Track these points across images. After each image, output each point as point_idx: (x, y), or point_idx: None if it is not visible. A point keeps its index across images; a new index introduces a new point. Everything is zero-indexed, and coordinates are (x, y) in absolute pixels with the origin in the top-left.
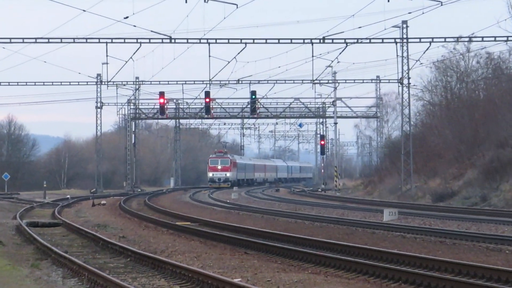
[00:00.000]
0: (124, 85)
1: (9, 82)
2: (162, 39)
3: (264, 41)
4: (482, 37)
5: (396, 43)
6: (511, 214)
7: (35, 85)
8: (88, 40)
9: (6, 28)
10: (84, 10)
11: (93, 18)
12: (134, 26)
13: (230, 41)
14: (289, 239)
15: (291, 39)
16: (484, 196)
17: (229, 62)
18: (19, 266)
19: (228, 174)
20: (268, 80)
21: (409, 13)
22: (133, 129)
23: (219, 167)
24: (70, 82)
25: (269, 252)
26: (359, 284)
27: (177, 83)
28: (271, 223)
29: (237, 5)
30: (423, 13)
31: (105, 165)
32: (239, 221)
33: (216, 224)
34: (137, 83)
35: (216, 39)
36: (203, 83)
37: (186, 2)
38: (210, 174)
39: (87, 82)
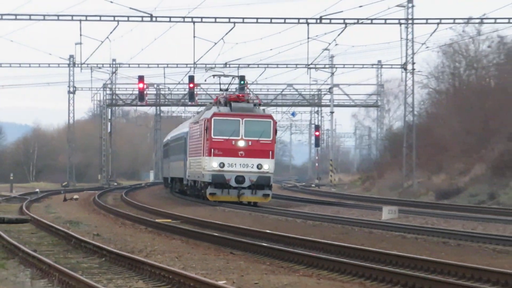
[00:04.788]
0: (100, 67)
1: None
2: (142, 17)
3: (254, 20)
4: (495, 19)
5: (400, 24)
6: None
7: (0, 66)
8: (60, 18)
9: None
10: None
11: None
12: (111, 2)
13: (217, 20)
14: (279, 239)
15: (284, 18)
16: (493, 194)
17: (215, 44)
18: None
19: None
20: (258, 64)
21: None
22: (109, 117)
23: None
24: (39, 64)
25: (257, 253)
26: (355, 287)
27: (158, 67)
28: (259, 221)
29: None
30: None
31: (78, 156)
32: (224, 218)
33: (200, 221)
34: (113, 65)
35: (201, 17)
36: (186, 67)
37: None
38: None
39: (58, 64)
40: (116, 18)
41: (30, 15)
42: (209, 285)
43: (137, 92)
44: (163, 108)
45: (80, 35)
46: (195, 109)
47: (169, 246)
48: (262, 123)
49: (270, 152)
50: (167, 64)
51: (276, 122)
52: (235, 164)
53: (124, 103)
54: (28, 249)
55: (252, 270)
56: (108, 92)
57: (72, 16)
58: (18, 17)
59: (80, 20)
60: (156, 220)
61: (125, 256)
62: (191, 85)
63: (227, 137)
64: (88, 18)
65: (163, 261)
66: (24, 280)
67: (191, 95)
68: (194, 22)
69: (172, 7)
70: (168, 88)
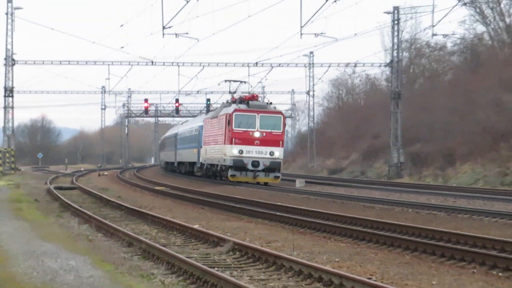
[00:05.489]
0: (121, 93)
1: (42, 91)
2: (147, 62)
3: (216, 64)
4: (364, 63)
5: (305, 67)
6: (380, 183)
7: (60, 93)
8: (97, 63)
9: (34, 52)
10: (93, 42)
11: (100, 47)
12: (128, 53)
13: (193, 64)
14: (231, 199)
15: (234, 63)
16: (363, 171)
17: (191, 79)
18: (49, 216)
19: None
20: (218, 91)
21: (315, 46)
22: (126, 124)
23: None
24: (83, 91)
25: (218, 208)
26: (278, 229)
27: (156, 93)
28: (222, 188)
29: (197, 39)
30: (324, 46)
31: (107, 148)
32: (199, 186)
33: (183, 188)
34: (129, 92)
35: (183, 63)
36: (174, 93)
37: (163, 36)
38: None
39: (95, 91)
40: (131, 63)
41: (77, 61)
42: (188, 228)
43: (143, 109)
44: (159, 118)
45: (109, 73)
46: (179, 119)
47: (164, 204)
48: (274, 118)
49: (280, 141)
50: (162, 91)
51: (285, 117)
52: (252, 151)
53: (136, 115)
54: (76, 205)
55: (215, 219)
56: (125, 109)
57: (103, 62)
58: (70, 62)
59: (109, 65)
60: (155, 188)
61: (136, 210)
62: (177, 104)
63: (245, 129)
64: (114, 63)
65: (160, 213)
66: (74, 224)
67: (177, 110)
68: (178, 65)
69: (165, 56)
70: (163, 106)
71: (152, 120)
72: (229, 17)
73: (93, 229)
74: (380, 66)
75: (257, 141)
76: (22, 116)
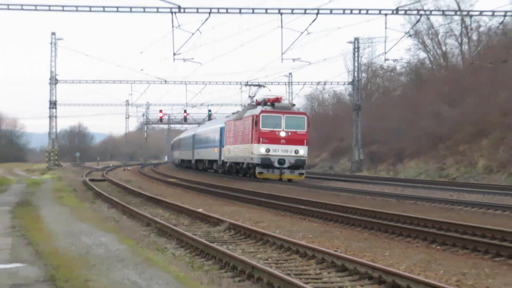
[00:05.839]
0: (140, 106)
1: (78, 104)
2: (161, 81)
3: (215, 83)
4: (331, 82)
5: (286, 84)
6: (345, 175)
7: (93, 105)
8: (122, 82)
9: (73, 72)
10: (119, 65)
11: (124, 69)
12: (146, 74)
13: (197, 83)
14: (227, 188)
15: (230, 82)
16: (331, 166)
17: (196, 94)
18: (84, 202)
19: None
20: (217, 104)
21: (293, 68)
22: (145, 130)
23: None
24: (111, 104)
25: (218, 195)
26: (264, 212)
27: (169, 105)
28: (220, 180)
29: (201, 63)
30: (300, 68)
31: (130, 149)
32: (203, 179)
33: (190, 180)
34: (148, 105)
35: (190, 81)
36: (183, 105)
37: (174, 61)
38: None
39: (120, 104)
40: (149, 82)
41: (107, 80)
42: (193, 211)
43: (159, 118)
44: (171, 125)
45: (131, 90)
46: (187, 125)
47: (175, 192)
48: (299, 118)
49: (305, 140)
50: (173, 104)
51: (309, 118)
52: (278, 149)
53: (152, 123)
54: (106, 194)
55: (216, 205)
56: (144, 118)
57: (127, 81)
58: (101, 81)
59: (131, 83)
60: (168, 180)
61: (153, 197)
62: (185, 114)
63: (271, 129)
64: (135, 82)
65: (172, 200)
66: (104, 209)
67: (185, 119)
68: (186, 84)
69: (176, 76)
70: (174, 115)
71: (165, 126)
72: (226, 45)
73: (119, 213)
74: (344, 84)
75: (282, 140)
76: (63, 123)
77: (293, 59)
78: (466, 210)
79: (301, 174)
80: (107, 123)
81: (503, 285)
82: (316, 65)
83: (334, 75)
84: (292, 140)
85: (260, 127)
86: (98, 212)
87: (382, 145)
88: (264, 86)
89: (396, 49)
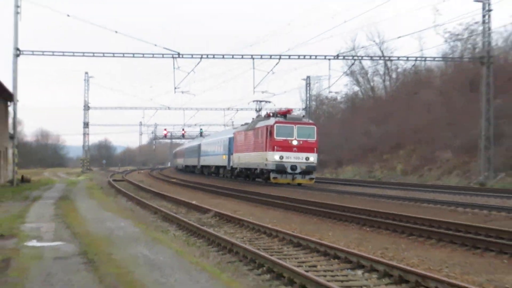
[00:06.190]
0: (151, 125)
1: (105, 124)
2: (165, 108)
3: (205, 109)
4: (293, 108)
5: (257, 111)
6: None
7: (116, 125)
8: (137, 108)
9: (101, 101)
10: (134, 95)
11: (137, 99)
12: (154, 102)
13: (192, 109)
14: (214, 186)
15: (216, 108)
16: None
17: (191, 117)
18: (108, 197)
19: None
20: (207, 124)
21: (262, 98)
22: (154, 143)
23: None
24: (129, 124)
25: (207, 191)
26: (242, 204)
27: (171, 125)
28: (212, 179)
29: (195, 94)
30: (267, 98)
31: (143, 157)
32: (199, 179)
33: (187, 180)
34: (155, 125)
35: (187, 108)
36: (181, 125)
37: (175, 92)
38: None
39: (135, 124)
40: (156, 108)
41: (125, 107)
42: (188, 203)
43: (164, 134)
44: (173, 140)
45: (143, 114)
46: (185, 140)
47: (175, 189)
48: (309, 128)
49: (315, 148)
50: (174, 124)
51: (318, 128)
52: (290, 157)
53: (159, 138)
54: (125, 190)
55: (206, 198)
56: (153, 134)
57: (140, 107)
58: (121, 108)
59: (143, 110)
60: (171, 180)
61: (160, 193)
62: (183, 132)
63: (285, 138)
64: (146, 108)
65: (173, 195)
66: (123, 201)
67: (183, 135)
68: (184, 110)
69: (177, 103)
70: (175, 133)
71: (168, 140)
72: (213, 81)
73: (134, 204)
74: (299, 110)
75: (295, 148)
76: (94, 138)
77: (262, 91)
78: (388, 202)
79: (311, 179)
80: (126, 138)
81: (415, 256)
82: (279, 96)
83: (292, 104)
84: (303, 148)
85: (275, 136)
86: (118, 204)
87: (327, 155)
88: (269, 102)
89: (337, 84)
